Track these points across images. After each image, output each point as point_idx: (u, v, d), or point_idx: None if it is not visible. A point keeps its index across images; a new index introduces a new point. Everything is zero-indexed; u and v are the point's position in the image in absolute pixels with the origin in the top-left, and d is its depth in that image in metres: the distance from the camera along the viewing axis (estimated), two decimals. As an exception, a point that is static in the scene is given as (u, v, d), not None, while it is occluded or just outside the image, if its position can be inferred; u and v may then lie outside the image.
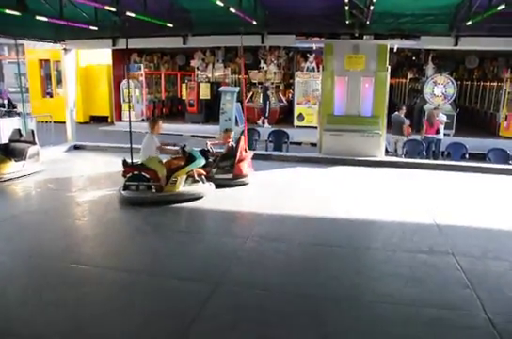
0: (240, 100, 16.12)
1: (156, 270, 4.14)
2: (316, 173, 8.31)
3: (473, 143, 11.41)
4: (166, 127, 15.70)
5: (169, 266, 4.22)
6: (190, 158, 6.31)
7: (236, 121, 11.22)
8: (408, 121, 11.08)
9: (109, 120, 18.14)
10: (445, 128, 14.39)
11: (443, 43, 12.45)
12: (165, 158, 6.64)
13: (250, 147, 10.48)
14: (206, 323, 3.30)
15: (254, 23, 11.75)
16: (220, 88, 11.63)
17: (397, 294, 3.75)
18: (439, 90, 15.02)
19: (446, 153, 10.23)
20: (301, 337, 3.17)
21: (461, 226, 5.44)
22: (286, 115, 17.18)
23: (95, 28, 9.96)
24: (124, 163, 6.21)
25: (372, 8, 9.61)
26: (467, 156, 10.03)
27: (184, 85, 18.15)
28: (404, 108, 11.53)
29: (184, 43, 14.02)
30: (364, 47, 9.45)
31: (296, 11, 11.79)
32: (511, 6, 8.60)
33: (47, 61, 18.39)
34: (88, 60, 17.95)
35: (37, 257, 4.40)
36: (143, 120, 17.80)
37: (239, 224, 5.62)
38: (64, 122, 11.01)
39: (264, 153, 9.78)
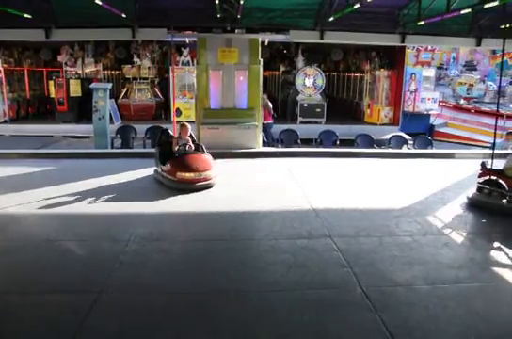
0: (114, 96, 15.51)
1: (28, 287, 3.78)
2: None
3: (343, 130, 12.29)
4: (33, 128, 14.89)
5: (43, 281, 3.88)
6: None
7: (111, 118, 10.73)
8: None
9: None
10: (317, 117, 15.44)
11: (310, 37, 13.26)
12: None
13: (127, 145, 10.14)
14: (91, 334, 3.11)
15: (123, 16, 11.31)
16: (91, 85, 10.98)
17: (281, 280, 3.89)
18: (309, 82, 15.91)
19: (319, 140, 10.89)
20: (192, 335, 3.14)
21: (336, 209, 5.82)
22: (164, 110, 16.91)
23: None
24: (483, 165, 5.91)
25: (241, 2, 9.83)
26: (338, 142, 10.78)
27: (51, 82, 16.85)
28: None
29: (48, 37, 13.05)
30: (237, 41, 9.60)
31: (168, 4, 11.62)
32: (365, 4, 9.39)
33: None
34: None
35: None
36: (6, 121, 16.23)
37: (119, 227, 5.34)
38: None
39: (142, 150, 9.49)
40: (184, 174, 6.57)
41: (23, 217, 5.55)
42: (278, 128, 11.74)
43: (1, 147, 10.10)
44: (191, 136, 7.35)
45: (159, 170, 7.02)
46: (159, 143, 7.34)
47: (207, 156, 7.03)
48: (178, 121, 14.90)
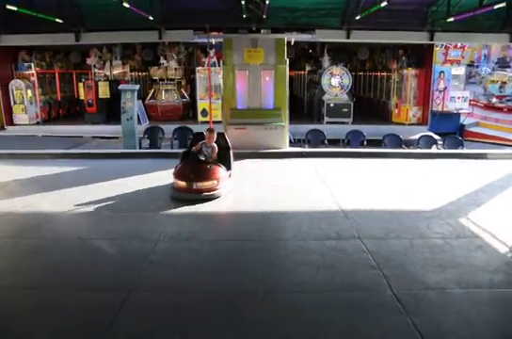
0: (141, 97, 15.75)
1: (62, 283, 3.87)
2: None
3: (370, 130, 12.11)
4: (64, 129, 15.25)
5: (77, 278, 3.96)
6: None
7: (139, 119, 10.89)
8: None
9: (-1, 124, 16.66)
10: (343, 117, 15.31)
11: (337, 36, 13.14)
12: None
13: (155, 145, 10.25)
14: (121, 333, 3.15)
15: (150, 18, 11.46)
16: (120, 87, 11.17)
17: (310, 281, 3.86)
18: (335, 81, 15.79)
19: (346, 140, 10.78)
20: (221, 336, 3.15)
21: (365, 210, 5.74)
22: (190, 111, 17.08)
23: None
24: None
25: (267, 2, 9.82)
26: (365, 143, 10.65)
27: (80, 84, 17.23)
28: None
29: (77, 40, 13.34)
30: (263, 41, 9.61)
31: (193, 6, 11.72)
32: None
33: None
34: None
35: None
36: (38, 123, 16.68)
37: (148, 226, 5.40)
38: None
39: (169, 150, 9.57)
40: (177, 181, 6.26)
41: (56, 215, 5.67)
42: (304, 128, 11.66)
43: (34, 147, 10.38)
44: (224, 141, 7.08)
45: None
46: (191, 145, 7.09)
47: (213, 167, 6.36)
48: (203, 122, 15.24)
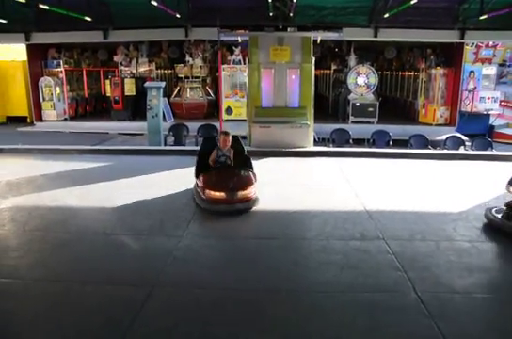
0: (167, 95, 15.90)
1: (88, 277, 3.93)
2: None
3: (396, 130, 11.95)
4: (91, 126, 15.53)
5: (102, 272, 4.02)
6: None
7: (164, 116, 11.00)
8: None
9: (28, 120, 17.08)
10: (369, 116, 15.14)
11: (364, 35, 13.02)
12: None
13: (180, 142, 10.33)
14: (143, 328, 3.18)
15: (178, 16, 11.55)
16: (145, 84, 11.31)
17: (333, 281, 3.83)
18: (361, 80, 15.63)
19: (371, 140, 10.65)
20: (242, 333, 3.15)
21: (390, 211, 5.65)
22: (215, 109, 17.17)
23: (3, 21, 9.28)
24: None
25: (294, 0, 9.77)
26: (391, 143, 10.51)
27: (107, 81, 17.51)
28: None
29: (105, 38, 13.57)
30: (289, 39, 9.54)
31: (220, 4, 11.76)
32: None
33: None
34: (-1, 57, 16.76)
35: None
36: (66, 119, 17.03)
37: (172, 222, 5.41)
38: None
39: (194, 148, 9.62)
40: (213, 193, 5.54)
41: (81, 210, 5.77)
42: (329, 128, 11.59)
43: (62, 143, 10.59)
44: (240, 145, 6.48)
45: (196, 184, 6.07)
46: (199, 153, 6.43)
47: (246, 173, 5.89)
48: (228, 120, 15.28)
